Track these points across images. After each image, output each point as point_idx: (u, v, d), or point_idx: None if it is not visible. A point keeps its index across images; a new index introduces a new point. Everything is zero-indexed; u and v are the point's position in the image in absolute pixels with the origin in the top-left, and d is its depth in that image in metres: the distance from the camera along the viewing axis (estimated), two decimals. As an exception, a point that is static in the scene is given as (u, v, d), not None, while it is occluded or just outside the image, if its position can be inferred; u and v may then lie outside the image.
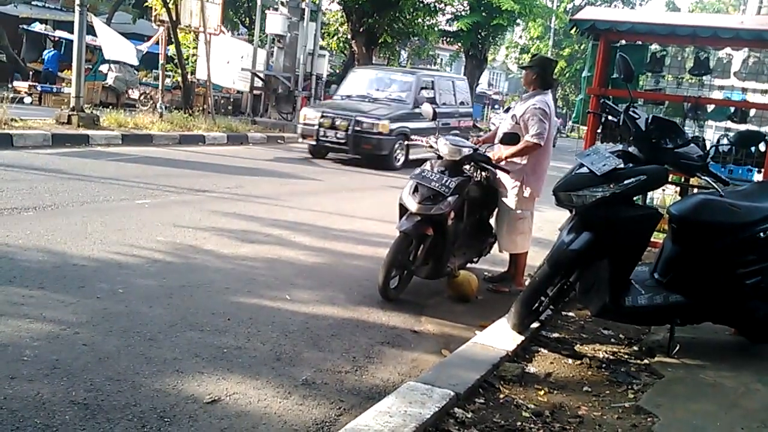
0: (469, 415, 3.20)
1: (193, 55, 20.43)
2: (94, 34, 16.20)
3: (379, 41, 23.39)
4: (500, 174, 5.28)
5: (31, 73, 21.25)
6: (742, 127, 6.15)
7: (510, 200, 5.35)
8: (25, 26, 24.14)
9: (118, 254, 5.21)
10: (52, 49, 21.48)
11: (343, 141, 12.72)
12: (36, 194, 6.87)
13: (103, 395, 3.05)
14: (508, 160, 5.28)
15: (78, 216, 6.20)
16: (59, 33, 23.00)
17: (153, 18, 17.03)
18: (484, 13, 26.61)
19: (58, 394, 3.02)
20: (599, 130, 6.12)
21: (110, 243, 5.45)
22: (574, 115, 7.21)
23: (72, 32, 12.99)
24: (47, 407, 2.90)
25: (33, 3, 27.84)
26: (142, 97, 20.33)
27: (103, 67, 19.56)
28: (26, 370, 3.20)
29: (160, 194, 7.71)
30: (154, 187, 8.05)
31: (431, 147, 5.38)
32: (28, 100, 18.02)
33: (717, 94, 6.91)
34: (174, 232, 6.02)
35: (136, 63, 18.08)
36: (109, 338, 3.68)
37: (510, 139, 5.16)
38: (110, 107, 16.51)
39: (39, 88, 18.87)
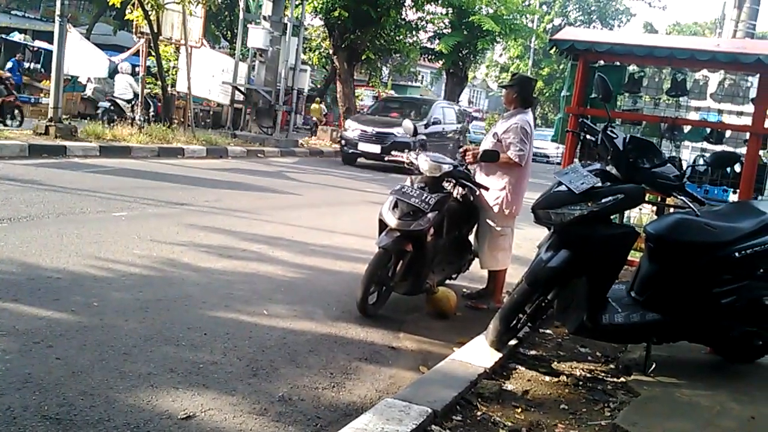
0: (446, 433, 3.19)
1: (174, 67, 20.36)
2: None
3: (361, 57, 23.51)
4: (482, 191, 5.30)
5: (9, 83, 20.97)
6: (718, 148, 6.22)
7: (491, 217, 5.38)
8: (3, 36, 23.93)
9: (93, 267, 5.15)
10: (13, 58, 21.13)
11: None
12: (11, 205, 6.78)
13: (76, 410, 3.00)
14: (489, 177, 5.34)
15: (53, 228, 6.13)
16: (38, 43, 22.82)
17: (134, 30, 16.97)
18: (465, 32, 26.84)
19: (30, 408, 2.97)
20: (577, 149, 6.18)
21: (86, 256, 5.39)
22: (553, 133, 7.26)
23: (51, 42, 12.91)
24: (18, 422, 2.84)
25: (12, 12, 27.66)
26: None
27: (82, 78, 19.41)
28: (-3, 384, 3.14)
29: (137, 207, 7.65)
30: (132, 199, 7.99)
31: (411, 163, 5.39)
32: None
33: (693, 115, 6.99)
34: (151, 246, 5.97)
35: (105, 76, 17.95)
36: (83, 352, 3.62)
37: (490, 156, 5.21)
38: (88, 118, 16.37)
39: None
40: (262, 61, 18.85)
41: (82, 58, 15.90)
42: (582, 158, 5.88)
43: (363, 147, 16.37)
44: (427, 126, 16.77)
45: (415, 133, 5.70)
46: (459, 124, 19.46)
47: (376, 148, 16.03)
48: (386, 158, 6.12)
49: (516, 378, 4.08)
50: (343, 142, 17.17)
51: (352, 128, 17.01)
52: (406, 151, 5.55)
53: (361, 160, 16.95)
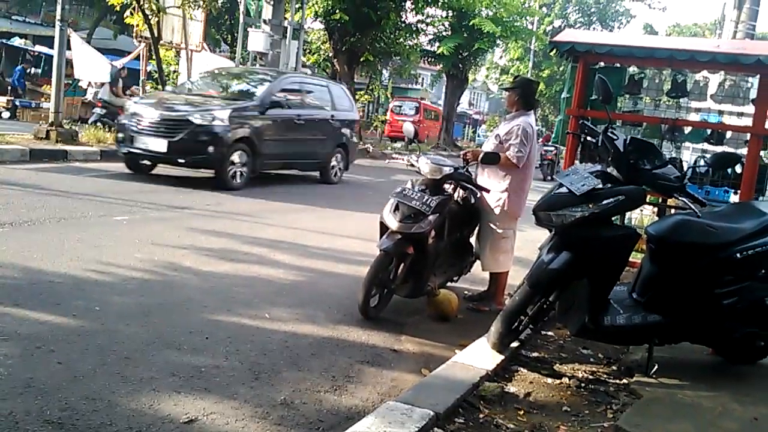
0: (448, 435, 3.19)
1: (174, 71, 20.38)
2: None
3: (361, 60, 23.55)
4: (483, 193, 5.30)
5: (9, 87, 21.07)
6: (719, 149, 6.23)
7: (493, 219, 5.37)
8: (4, 41, 23.98)
9: (95, 271, 5.14)
10: (20, 65, 21.32)
11: None
12: (12, 210, 6.78)
13: (78, 414, 3.00)
14: (490, 179, 5.34)
15: (55, 232, 6.13)
16: (39, 48, 22.87)
17: (134, 34, 16.98)
18: (465, 34, 26.89)
19: (32, 412, 2.96)
20: (578, 151, 6.19)
21: (87, 260, 5.39)
22: (553, 135, 7.27)
23: (52, 47, 12.93)
24: (21, 426, 2.84)
25: (13, 18, 27.73)
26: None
27: (83, 83, 19.45)
28: (0, 388, 3.15)
29: (138, 211, 7.65)
30: (133, 203, 7.99)
31: (412, 165, 5.39)
32: (6, 114, 17.85)
33: (694, 117, 7.00)
34: (152, 250, 5.97)
35: (107, 80, 18.00)
36: (84, 356, 3.62)
37: (491, 158, 5.22)
38: (89, 122, 16.36)
39: (18, 103, 18.72)
40: (263, 64, 18.84)
41: (84, 63, 15.93)
42: (583, 160, 5.88)
43: (141, 142, 9.93)
44: (263, 111, 10.64)
45: (416, 135, 5.66)
46: (339, 112, 12.79)
47: (159, 145, 9.77)
48: (388, 161, 6.08)
49: (518, 380, 4.08)
50: (119, 136, 10.51)
51: (131, 112, 10.54)
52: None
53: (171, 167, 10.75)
